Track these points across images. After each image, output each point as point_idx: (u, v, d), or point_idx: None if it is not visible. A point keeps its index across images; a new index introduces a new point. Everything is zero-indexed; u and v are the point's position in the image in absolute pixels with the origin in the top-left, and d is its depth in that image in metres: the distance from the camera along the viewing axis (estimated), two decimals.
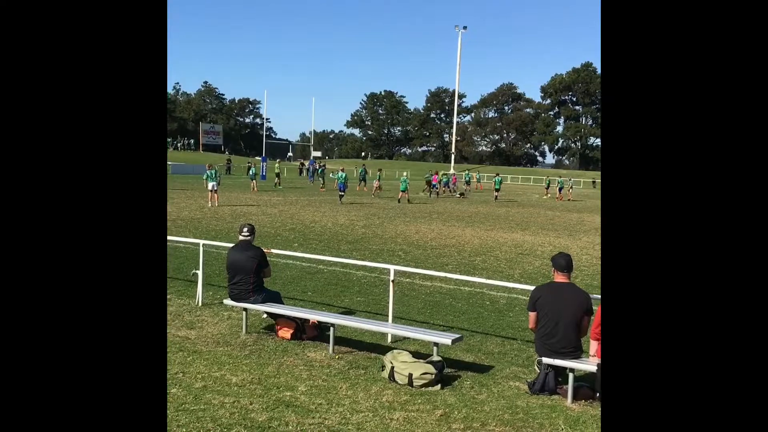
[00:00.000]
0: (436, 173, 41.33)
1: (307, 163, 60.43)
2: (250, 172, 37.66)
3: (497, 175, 43.27)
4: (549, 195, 44.81)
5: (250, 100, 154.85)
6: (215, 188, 23.96)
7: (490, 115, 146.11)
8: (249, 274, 7.26)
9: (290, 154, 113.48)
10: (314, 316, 7.23)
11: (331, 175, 43.68)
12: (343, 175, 30.31)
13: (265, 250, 7.69)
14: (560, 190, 44.77)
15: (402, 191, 32.23)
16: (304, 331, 7.20)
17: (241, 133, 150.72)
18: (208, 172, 24.62)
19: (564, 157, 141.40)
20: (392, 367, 5.89)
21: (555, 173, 76.90)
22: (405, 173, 45.82)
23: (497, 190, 39.63)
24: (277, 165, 43.93)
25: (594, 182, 73.30)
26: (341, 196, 29.33)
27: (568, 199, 42.95)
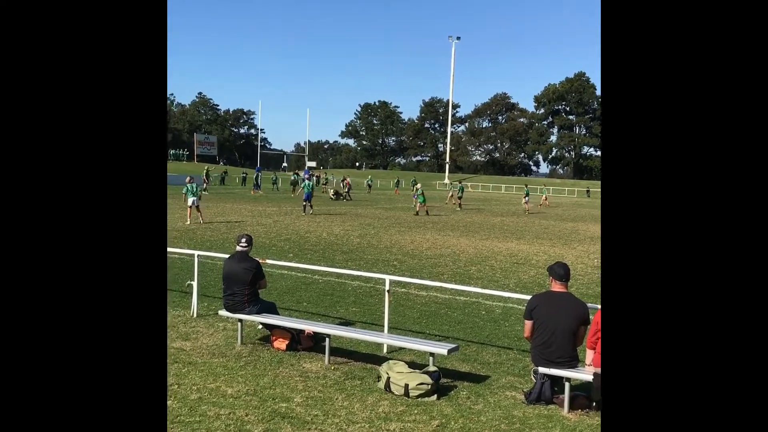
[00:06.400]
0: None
1: (302, 173, 60.59)
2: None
3: (460, 182, 42.80)
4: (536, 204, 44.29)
5: (245, 110, 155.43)
6: (196, 203, 21.72)
7: (484, 125, 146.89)
8: (244, 285, 7.24)
9: (285, 164, 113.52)
10: (310, 326, 7.20)
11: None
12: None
13: (260, 261, 7.68)
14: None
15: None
16: (299, 341, 7.18)
17: (236, 143, 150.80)
18: (188, 185, 22.29)
19: (558, 167, 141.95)
20: (388, 378, 5.87)
21: (549, 182, 76.94)
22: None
23: (459, 198, 37.75)
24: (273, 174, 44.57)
25: (588, 191, 73.45)
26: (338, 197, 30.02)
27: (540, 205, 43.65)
